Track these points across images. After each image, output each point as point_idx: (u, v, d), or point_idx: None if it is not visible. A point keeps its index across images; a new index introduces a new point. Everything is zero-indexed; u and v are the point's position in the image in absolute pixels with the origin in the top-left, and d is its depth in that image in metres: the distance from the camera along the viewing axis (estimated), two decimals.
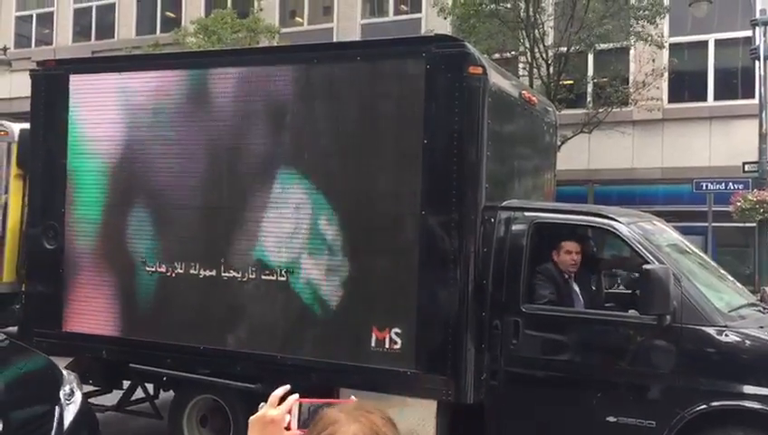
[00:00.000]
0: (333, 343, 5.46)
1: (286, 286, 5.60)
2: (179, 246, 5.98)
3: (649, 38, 14.01)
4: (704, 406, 4.70)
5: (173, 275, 5.98)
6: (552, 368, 5.21)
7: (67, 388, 4.88)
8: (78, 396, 4.92)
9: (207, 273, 5.86)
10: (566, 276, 5.51)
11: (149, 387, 6.55)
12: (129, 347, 6.12)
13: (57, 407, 4.70)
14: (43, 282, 6.54)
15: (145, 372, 6.19)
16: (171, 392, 6.46)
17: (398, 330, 5.25)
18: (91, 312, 6.28)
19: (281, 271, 5.62)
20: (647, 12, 13.92)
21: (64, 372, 5.08)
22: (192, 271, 5.90)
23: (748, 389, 4.70)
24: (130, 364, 6.16)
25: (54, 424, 4.64)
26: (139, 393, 6.56)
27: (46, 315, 6.42)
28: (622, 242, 5.28)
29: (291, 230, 5.63)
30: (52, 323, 6.36)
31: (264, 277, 5.67)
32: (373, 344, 5.32)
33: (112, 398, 6.58)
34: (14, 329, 6.64)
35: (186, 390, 6.17)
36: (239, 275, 5.75)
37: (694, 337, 4.81)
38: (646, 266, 4.84)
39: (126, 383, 6.59)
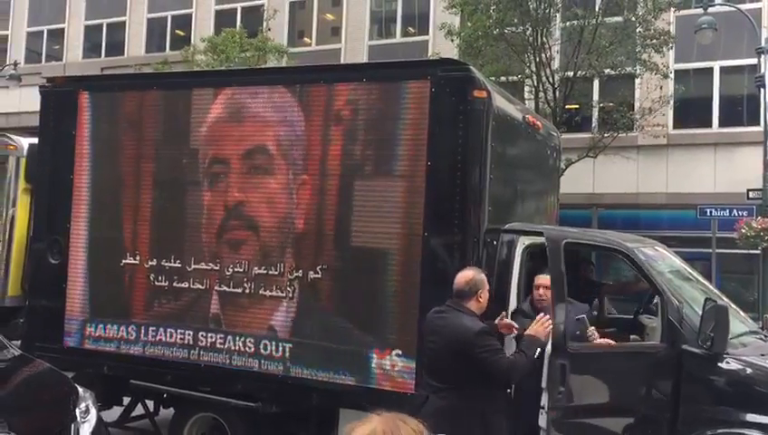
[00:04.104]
0: (334, 363, 5.46)
1: (287, 305, 5.61)
2: (183, 261, 6.00)
3: (655, 67, 14.06)
4: (709, 433, 4.68)
5: (174, 289, 6.00)
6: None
7: (83, 405, 4.86)
8: (93, 414, 4.90)
9: (210, 288, 5.88)
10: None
11: (150, 404, 6.55)
12: (130, 363, 6.13)
13: (73, 424, 4.69)
14: (46, 296, 6.57)
15: (145, 388, 6.20)
16: (172, 410, 6.46)
17: (399, 351, 5.26)
18: (93, 327, 6.29)
19: (282, 289, 5.64)
20: (654, 41, 13.96)
21: (80, 389, 5.06)
22: (196, 285, 5.93)
23: (750, 417, 4.67)
24: (131, 380, 6.16)
25: None
26: (139, 410, 6.56)
27: (48, 330, 6.44)
28: (632, 266, 5.24)
29: (292, 249, 5.66)
30: (53, 338, 6.38)
31: (265, 295, 5.68)
32: (374, 365, 5.32)
33: (113, 414, 6.57)
34: (17, 343, 6.64)
35: (185, 407, 6.16)
36: (240, 292, 5.76)
37: (696, 364, 4.80)
38: (720, 303, 4.79)
39: (126, 399, 6.59)
